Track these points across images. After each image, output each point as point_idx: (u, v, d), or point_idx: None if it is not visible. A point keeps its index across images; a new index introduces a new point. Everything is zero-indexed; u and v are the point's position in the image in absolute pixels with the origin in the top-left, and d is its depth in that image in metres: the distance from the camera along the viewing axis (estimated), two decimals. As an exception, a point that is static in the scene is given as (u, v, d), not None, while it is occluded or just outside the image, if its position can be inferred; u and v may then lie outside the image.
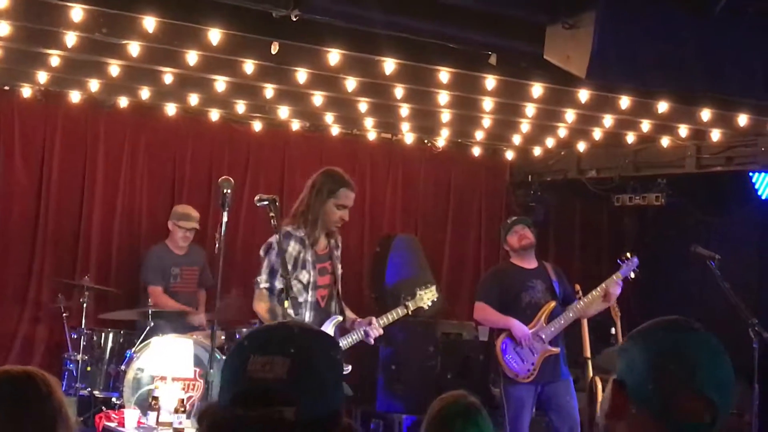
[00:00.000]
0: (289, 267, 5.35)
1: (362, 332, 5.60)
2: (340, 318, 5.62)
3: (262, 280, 5.43)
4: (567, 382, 7.16)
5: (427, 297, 6.02)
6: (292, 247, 5.42)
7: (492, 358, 7.29)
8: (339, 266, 5.69)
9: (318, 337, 1.83)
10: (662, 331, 1.86)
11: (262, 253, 5.44)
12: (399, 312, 5.82)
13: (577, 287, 7.53)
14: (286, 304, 5.08)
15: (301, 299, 5.46)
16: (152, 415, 6.36)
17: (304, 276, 5.45)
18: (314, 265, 5.49)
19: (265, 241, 5.59)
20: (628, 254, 7.43)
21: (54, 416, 2.40)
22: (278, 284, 5.28)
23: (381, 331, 5.66)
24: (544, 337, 7.01)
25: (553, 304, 7.16)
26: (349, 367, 5.69)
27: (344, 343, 5.60)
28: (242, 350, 1.76)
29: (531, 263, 7.35)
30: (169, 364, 6.67)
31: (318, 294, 5.53)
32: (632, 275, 7.36)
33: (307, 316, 5.48)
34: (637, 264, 7.33)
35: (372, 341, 5.70)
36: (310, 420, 1.70)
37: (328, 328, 5.54)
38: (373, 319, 5.65)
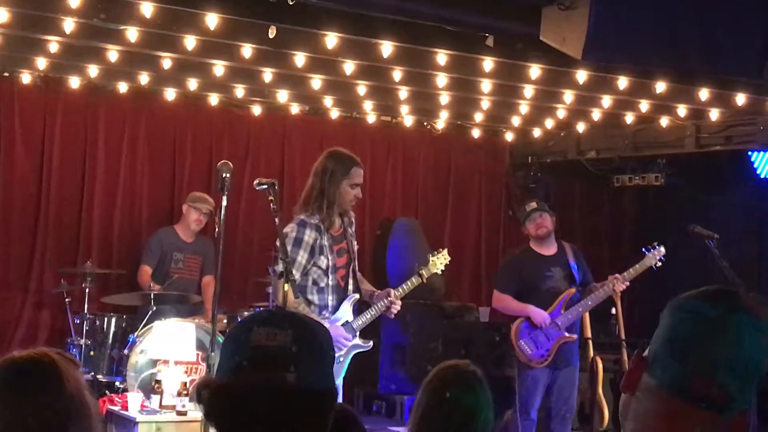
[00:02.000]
0: (306, 255, 5.38)
1: (382, 305, 5.63)
2: (357, 296, 5.66)
3: (279, 266, 5.33)
4: (575, 369, 7.23)
5: (440, 262, 6.04)
6: (308, 236, 5.43)
7: (507, 341, 7.35)
8: (354, 243, 5.72)
9: (317, 323, 1.92)
10: (699, 303, 1.76)
11: (277, 243, 5.39)
12: (414, 281, 5.84)
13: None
14: (287, 287, 5.08)
15: (322, 284, 5.48)
16: (155, 398, 6.41)
17: (323, 261, 5.46)
18: (331, 249, 5.50)
19: (266, 225, 5.60)
20: (655, 243, 7.43)
21: (65, 406, 2.21)
22: (279, 267, 5.30)
23: (399, 304, 5.68)
24: (560, 323, 7.07)
25: (572, 290, 7.22)
26: (371, 343, 5.74)
27: (363, 320, 5.64)
28: (245, 325, 1.85)
29: (550, 249, 7.38)
30: (172, 348, 6.71)
31: (338, 275, 5.56)
32: (658, 264, 7.38)
33: (330, 300, 5.51)
34: (663, 254, 7.30)
35: (393, 315, 5.73)
36: (309, 388, 1.79)
37: (346, 306, 5.58)
38: (391, 291, 5.68)
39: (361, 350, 5.70)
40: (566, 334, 7.08)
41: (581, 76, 7.55)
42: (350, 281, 5.67)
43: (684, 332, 1.74)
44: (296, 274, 5.30)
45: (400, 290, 5.73)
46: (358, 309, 5.73)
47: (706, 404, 1.71)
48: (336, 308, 5.53)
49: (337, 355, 5.51)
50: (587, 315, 7.90)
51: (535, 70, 7.38)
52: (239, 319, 7.90)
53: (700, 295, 1.79)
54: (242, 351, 1.80)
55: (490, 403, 3.18)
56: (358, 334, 5.63)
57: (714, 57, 5.64)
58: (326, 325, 5.28)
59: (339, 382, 5.63)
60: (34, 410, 2.19)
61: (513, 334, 7.12)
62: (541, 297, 7.14)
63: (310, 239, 5.42)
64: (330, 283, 5.49)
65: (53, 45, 7.42)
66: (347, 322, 5.57)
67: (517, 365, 7.14)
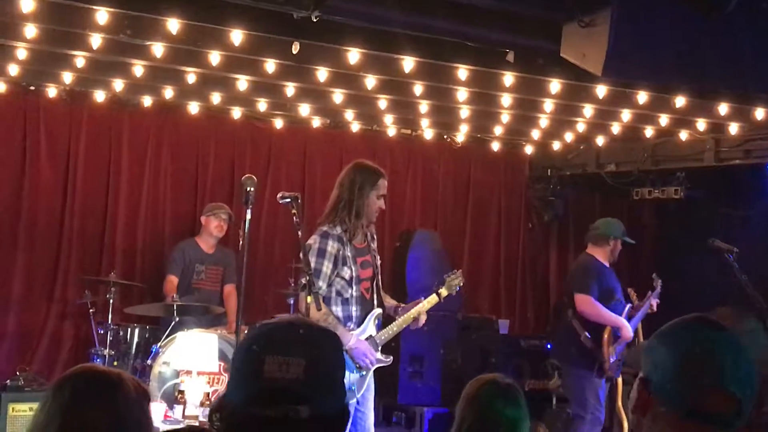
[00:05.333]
0: (331, 265, 5.43)
1: (409, 318, 5.69)
2: (380, 311, 5.70)
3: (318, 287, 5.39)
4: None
5: (455, 283, 6.10)
6: (331, 246, 5.47)
7: (569, 348, 7.36)
8: (378, 257, 5.77)
9: (326, 336, 1.91)
10: (687, 331, 1.90)
11: (301, 256, 5.44)
12: (431, 300, 5.90)
13: (632, 292, 7.68)
14: (309, 299, 5.12)
15: (346, 295, 5.51)
16: (178, 408, 6.49)
17: (346, 272, 5.50)
18: (355, 260, 5.54)
19: (287, 237, 5.64)
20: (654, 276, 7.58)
21: (116, 421, 2.25)
22: (303, 280, 5.36)
23: (426, 317, 5.74)
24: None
25: (627, 306, 7.36)
26: (391, 358, 5.78)
27: (387, 334, 5.69)
28: (255, 351, 1.82)
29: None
30: (195, 359, 6.79)
31: (362, 287, 5.59)
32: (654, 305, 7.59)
33: (354, 311, 5.55)
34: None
35: (420, 325, 5.78)
36: (323, 417, 1.78)
37: (370, 321, 5.62)
38: (420, 301, 5.76)
39: (383, 365, 5.75)
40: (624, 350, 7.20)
41: (601, 90, 7.60)
42: (375, 295, 5.72)
43: (690, 355, 1.85)
44: (322, 285, 5.36)
45: (426, 304, 5.79)
46: (382, 324, 5.78)
47: (719, 420, 1.80)
48: (361, 320, 5.58)
49: (361, 371, 5.56)
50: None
51: (555, 85, 7.43)
52: (248, 334, 7.99)
53: (680, 323, 1.92)
54: (254, 383, 1.78)
55: (528, 414, 3.29)
56: (380, 348, 5.68)
57: (734, 73, 5.66)
58: (353, 339, 5.38)
59: (370, 396, 5.68)
60: (81, 416, 2.24)
61: (606, 339, 7.16)
62: (613, 308, 7.26)
63: (334, 249, 5.46)
64: (354, 294, 5.53)
65: (80, 60, 7.52)
66: (371, 336, 5.61)
67: (597, 370, 7.15)
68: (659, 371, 1.86)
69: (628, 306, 7.53)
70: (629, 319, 7.40)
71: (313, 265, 5.32)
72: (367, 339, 5.57)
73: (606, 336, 7.21)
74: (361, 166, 5.73)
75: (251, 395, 1.78)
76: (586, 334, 7.20)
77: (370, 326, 5.61)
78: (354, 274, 5.52)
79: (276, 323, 1.91)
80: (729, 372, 1.82)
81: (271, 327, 1.89)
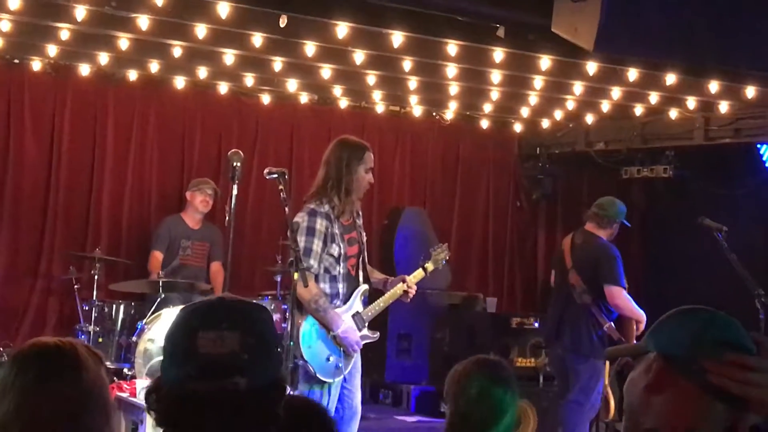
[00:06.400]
0: (321, 243, 5.37)
1: (398, 291, 5.65)
2: (366, 287, 5.67)
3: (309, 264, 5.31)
4: None
5: (441, 257, 6.05)
6: (320, 224, 5.39)
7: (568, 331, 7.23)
8: (363, 234, 5.73)
9: (258, 309, 1.92)
10: (694, 312, 1.88)
11: (288, 234, 5.37)
12: (418, 274, 5.85)
13: None
14: (296, 276, 5.08)
15: (334, 272, 5.46)
16: (164, 385, 6.43)
17: (335, 249, 5.44)
18: (342, 237, 5.49)
19: (274, 213, 5.59)
20: None
21: (79, 397, 2.20)
22: (314, 263, 5.29)
23: (415, 289, 5.71)
24: None
25: None
26: (377, 334, 5.75)
27: (374, 310, 5.64)
28: (188, 327, 1.82)
29: None
30: (180, 336, 6.72)
31: (349, 264, 5.56)
32: None
33: (341, 288, 5.49)
34: None
35: (408, 299, 5.75)
36: (260, 388, 1.80)
37: (356, 298, 5.59)
38: (406, 277, 5.71)
39: (369, 341, 5.72)
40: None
41: (591, 67, 7.55)
42: (360, 272, 5.68)
43: (708, 326, 1.82)
44: (313, 263, 5.30)
45: (412, 278, 5.76)
46: (368, 299, 5.75)
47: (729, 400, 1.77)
48: (347, 297, 5.54)
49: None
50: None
51: (545, 62, 7.37)
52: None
53: (686, 309, 1.90)
54: (189, 360, 1.78)
55: (517, 394, 3.29)
56: (367, 324, 5.65)
57: (726, 50, 5.62)
58: (343, 326, 5.33)
59: (356, 374, 5.64)
60: (47, 396, 2.18)
61: (633, 332, 6.99)
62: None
63: (322, 227, 5.39)
64: (341, 271, 5.49)
65: (64, 32, 7.42)
66: (357, 312, 5.58)
67: (592, 356, 7.04)
68: (679, 346, 1.83)
69: None
70: None
71: (302, 244, 5.27)
72: (353, 315, 5.54)
73: (633, 327, 7.05)
74: (346, 142, 5.67)
75: (187, 372, 1.78)
76: (611, 324, 7.03)
77: (356, 303, 5.58)
78: (342, 252, 5.48)
79: (206, 300, 1.92)
80: (739, 346, 1.80)
81: (201, 304, 1.89)
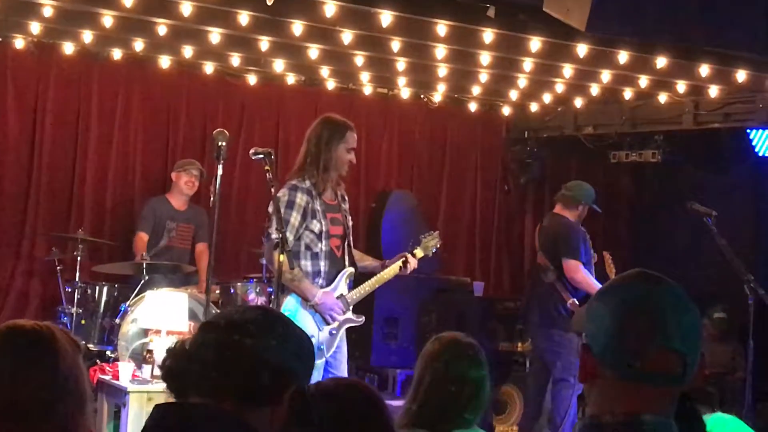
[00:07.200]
0: (299, 217, 5.35)
1: (396, 267, 5.65)
2: (352, 270, 5.62)
3: (272, 232, 5.31)
4: None
5: (431, 244, 6.01)
6: (300, 198, 5.40)
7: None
8: (349, 218, 5.69)
9: (302, 330, 2.14)
10: (626, 287, 1.80)
11: (269, 209, 5.36)
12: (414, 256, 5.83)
13: (607, 256, 7.58)
14: (282, 257, 5.04)
15: (316, 249, 5.45)
16: (147, 368, 6.36)
17: (316, 225, 5.43)
18: (324, 214, 5.48)
19: (260, 195, 5.56)
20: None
21: (55, 383, 2.15)
22: (272, 233, 5.27)
23: (415, 263, 5.70)
24: None
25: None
26: (362, 318, 5.71)
27: (359, 293, 5.63)
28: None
29: None
30: (164, 318, 6.65)
31: (332, 243, 5.52)
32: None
33: (323, 266, 5.48)
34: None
35: (407, 272, 5.75)
36: (265, 358, 1.93)
37: (341, 280, 5.55)
38: (407, 255, 5.72)
39: (353, 325, 5.67)
40: None
41: (582, 49, 7.48)
42: (346, 255, 5.63)
43: (629, 312, 1.75)
44: (290, 236, 5.27)
45: (395, 267, 5.72)
46: (354, 283, 5.69)
47: (663, 380, 1.72)
48: (331, 276, 5.49)
49: (329, 327, 5.48)
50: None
51: (535, 43, 7.30)
52: (232, 291, 7.91)
53: (619, 281, 1.84)
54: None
55: (488, 376, 3.20)
56: (351, 308, 5.60)
57: (720, 31, 5.57)
58: (319, 293, 5.29)
59: (341, 358, 5.60)
60: (23, 381, 2.13)
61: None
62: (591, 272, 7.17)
63: (303, 202, 5.40)
64: (323, 248, 5.46)
65: (47, 9, 7.31)
66: (342, 295, 5.53)
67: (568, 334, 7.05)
68: (600, 333, 1.77)
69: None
70: None
71: (270, 211, 5.25)
72: (337, 298, 5.49)
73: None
74: (328, 120, 5.66)
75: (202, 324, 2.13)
76: (574, 300, 7.07)
77: (341, 285, 5.54)
78: (324, 229, 5.46)
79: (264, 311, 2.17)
80: (671, 328, 1.72)
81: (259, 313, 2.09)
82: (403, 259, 5.71)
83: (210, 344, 1.95)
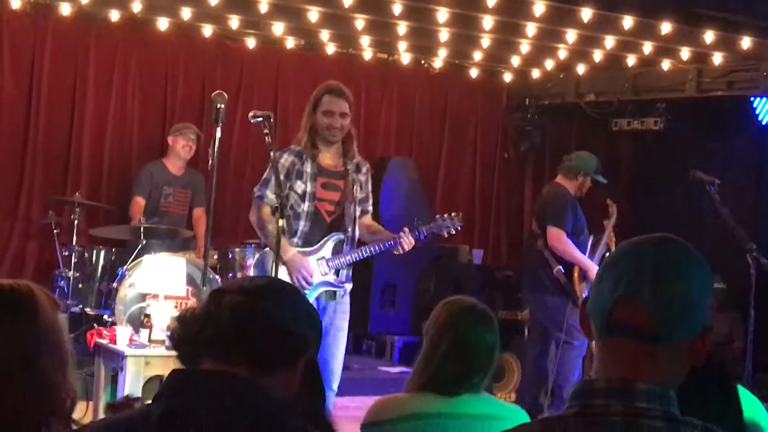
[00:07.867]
0: (282, 177, 5.32)
1: (391, 242, 5.59)
2: (341, 236, 5.57)
3: (255, 190, 5.50)
4: None
5: (447, 224, 5.99)
6: (285, 159, 5.46)
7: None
8: (359, 189, 5.61)
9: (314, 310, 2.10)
10: (630, 243, 1.77)
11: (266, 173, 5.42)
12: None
13: (612, 206, 7.55)
14: (281, 222, 5.00)
15: (299, 210, 5.46)
16: (144, 332, 6.30)
17: (299, 186, 5.45)
18: (314, 177, 5.47)
19: (259, 159, 5.54)
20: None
21: (36, 341, 2.11)
22: (270, 194, 5.31)
23: (410, 242, 5.62)
24: None
25: (591, 237, 7.24)
26: (345, 286, 5.65)
27: (346, 259, 5.55)
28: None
29: None
30: (162, 282, 6.59)
31: (322, 208, 5.50)
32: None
33: (302, 225, 5.47)
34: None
35: (401, 250, 5.65)
36: (279, 321, 1.91)
37: (327, 243, 5.52)
38: (406, 229, 5.64)
39: (332, 289, 5.58)
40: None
41: (586, 14, 7.38)
42: (345, 222, 5.57)
43: (609, 265, 1.74)
44: (268, 193, 5.39)
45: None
46: (334, 251, 5.63)
47: (635, 333, 1.68)
48: (313, 238, 5.46)
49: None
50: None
51: (539, 7, 7.22)
52: (230, 256, 7.85)
53: (633, 240, 1.80)
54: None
55: (498, 340, 3.19)
56: (333, 271, 5.54)
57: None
58: (290, 251, 5.27)
59: (339, 348, 5.57)
60: (2, 338, 2.10)
61: (577, 277, 7.01)
62: (580, 245, 7.09)
63: (287, 162, 5.45)
64: (306, 209, 5.46)
65: (43, -32, 7.21)
66: (323, 257, 5.51)
67: (571, 303, 7.00)
68: (593, 288, 1.77)
69: (591, 237, 7.40)
70: (593, 250, 7.26)
71: (282, 187, 5.25)
72: (318, 259, 5.46)
73: (576, 274, 7.08)
74: (319, 86, 5.66)
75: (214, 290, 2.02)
76: (560, 267, 7.06)
77: (325, 248, 5.51)
78: (308, 190, 5.46)
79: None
80: (645, 285, 1.67)
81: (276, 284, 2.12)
82: (398, 235, 5.60)
83: (225, 307, 1.89)
